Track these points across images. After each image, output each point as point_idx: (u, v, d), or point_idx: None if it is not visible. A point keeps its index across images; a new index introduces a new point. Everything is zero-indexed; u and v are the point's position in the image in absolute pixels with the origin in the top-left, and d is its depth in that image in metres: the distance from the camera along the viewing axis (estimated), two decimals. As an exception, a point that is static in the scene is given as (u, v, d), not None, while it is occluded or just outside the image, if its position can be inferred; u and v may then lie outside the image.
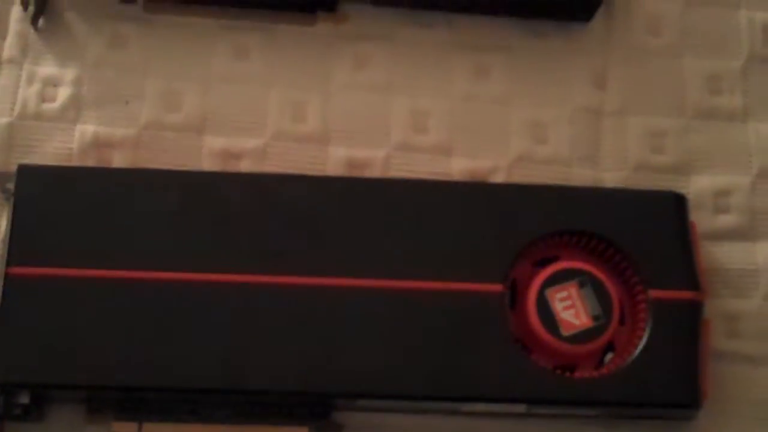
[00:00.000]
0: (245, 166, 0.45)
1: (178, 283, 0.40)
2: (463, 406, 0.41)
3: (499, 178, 0.45)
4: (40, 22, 0.46)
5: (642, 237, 0.42)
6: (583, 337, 0.41)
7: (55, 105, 0.45)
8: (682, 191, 0.44)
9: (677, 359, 0.41)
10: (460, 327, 0.41)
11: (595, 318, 0.41)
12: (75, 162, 0.44)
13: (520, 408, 0.41)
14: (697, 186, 0.46)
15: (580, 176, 0.46)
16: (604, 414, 0.42)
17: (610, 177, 0.46)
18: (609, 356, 0.42)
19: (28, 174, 0.42)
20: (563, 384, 0.40)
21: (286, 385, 0.40)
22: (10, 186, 0.42)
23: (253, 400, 0.41)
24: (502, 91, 0.47)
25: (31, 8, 0.46)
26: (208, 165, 0.45)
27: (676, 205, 0.43)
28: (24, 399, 0.39)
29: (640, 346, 0.41)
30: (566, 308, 0.41)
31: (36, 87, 0.45)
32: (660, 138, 0.47)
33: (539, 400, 0.41)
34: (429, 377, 0.40)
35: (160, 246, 0.41)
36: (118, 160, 0.44)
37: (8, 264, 0.40)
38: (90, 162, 0.44)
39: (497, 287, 0.41)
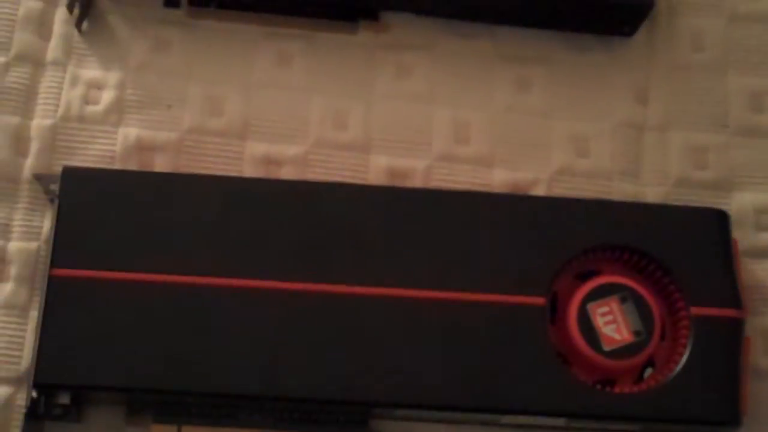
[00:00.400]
0: (286, 172, 0.45)
1: (219, 288, 0.40)
2: (501, 418, 0.41)
3: (539, 190, 0.45)
4: (85, 24, 0.46)
5: (684, 253, 0.42)
6: (624, 352, 0.41)
7: (99, 108, 0.45)
8: (724, 208, 0.44)
9: (718, 376, 0.41)
10: (500, 339, 0.41)
11: (637, 333, 0.41)
12: (118, 165, 0.44)
13: (559, 422, 0.41)
14: (738, 202, 0.46)
15: (621, 190, 0.46)
16: (644, 429, 0.42)
17: (651, 192, 0.46)
18: (649, 372, 0.41)
19: (72, 176, 0.42)
20: (603, 399, 0.40)
21: (325, 393, 0.40)
22: (54, 188, 0.42)
23: (292, 406, 0.41)
24: (544, 104, 0.47)
25: (77, 11, 0.46)
26: (249, 171, 0.45)
27: (718, 221, 0.43)
28: (64, 399, 0.39)
29: (681, 363, 0.41)
30: (607, 323, 0.41)
31: (80, 89, 0.45)
32: (702, 154, 0.47)
33: (579, 415, 0.41)
34: (468, 388, 0.40)
35: (201, 251, 0.41)
36: (160, 163, 0.45)
37: (52, 266, 0.40)
38: (132, 165, 0.44)
39: (539, 300, 0.41)
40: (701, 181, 0.46)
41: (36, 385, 0.39)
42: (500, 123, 0.46)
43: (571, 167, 0.46)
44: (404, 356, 0.40)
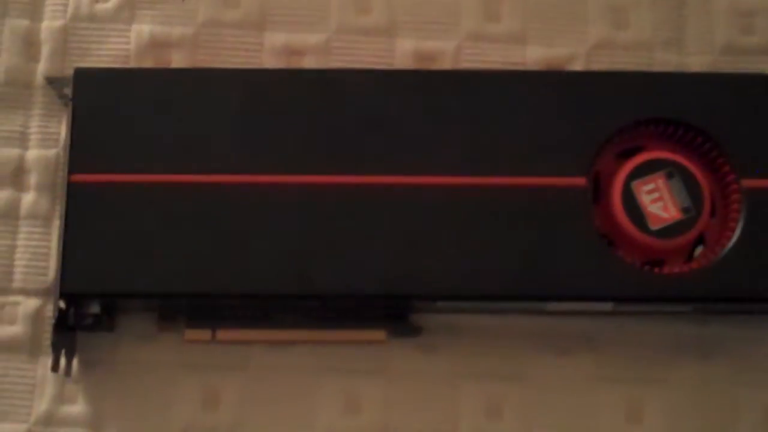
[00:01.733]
0: (308, 62, 0.43)
1: (245, 185, 0.39)
2: (546, 305, 0.39)
3: (577, 66, 0.43)
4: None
5: (732, 123, 0.40)
6: (672, 230, 0.39)
7: (109, 5, 0.43)
8: (774, 73, 0.42)
9: (772, 251, 0.39)
10: (541, 224, 0.39)
11: (685, 210, 0.39)
12: (132, 64, 0.42)
13: (607, 306, 0.39)
14: (790, 67, 0.43)
15: (664, 62, 0.43)
16: (695, 310, 0.40)
17: (696, 61, 0.43)
18: (699, 250, 0.40)
19: (84, 78, 0.40)
20: (652, 280, 0.39)
21: (362, 288, 0.38)
22: (68, 91, 0.40)
23: (327, 304, 0.39)
24: (578, -26, 0.44)
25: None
26: (269, 63, 0.43)
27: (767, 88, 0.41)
28: (95, 309, 0.38)
29: (734, 239, 0.39)
30: (654, 201, 0.39)
31: (88, -13, 0.44)
32: (748, 18, 0.44)
33: (626, 298, 0.39)
34: (510, 277, 0.38)
35: (225, 148, 0.39)
36: (177, 60, 0.43)
37: (70, 171, 0.39)
38: (148, 63, 0.43)
39: (580, 181, 0.39)
40: (749, 46, 0.43)
41: (63, 295, 0.38)
42: (532, -4, 0.44)
43: (609, 40, 0.43)
44: (442, 247, 0.39)
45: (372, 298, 0.39)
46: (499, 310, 0.40)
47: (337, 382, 0.40)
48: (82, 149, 0.39)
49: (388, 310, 0.40)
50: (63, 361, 0.39)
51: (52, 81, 0.41)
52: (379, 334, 0.40)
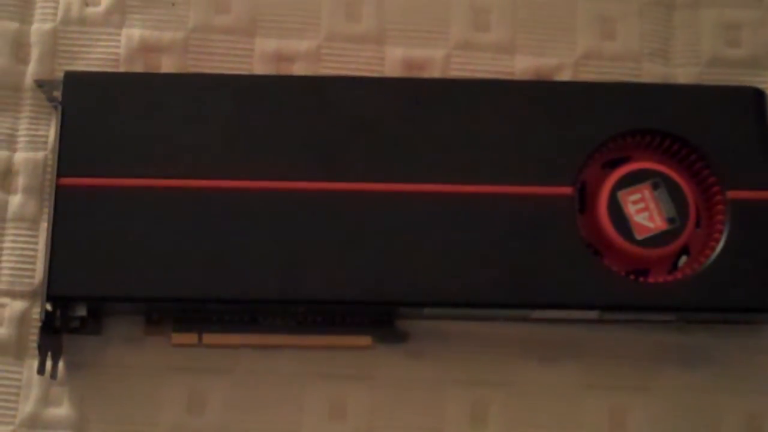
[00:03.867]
0: (298, 68, 0.43)
1: (233, 191, 0.39)
2: (532, 313, 0.40)
3: (565, 76, 0.43)
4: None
5: (718, 135, 0.40)
6: (657, 240, 0.39)
7: (100, 9, 0.43)
8: (760, 86, 0.42)
9: (757, 262, 0.39)
10: (528, 232, 0.39)
11: (670, 221, 0.39)
12: (122, 68, 0.42)
13: (592, 314, 0.39)
14: (775, 80, 0.43)
15: (651, 73, 0.43)
16: (680, 320, 0.40)
17: (683, 73, 0.43)
18: (683, 260, 0.40)
19: (75, 81, 0.40)
20: (637, 289, 0.39)
21: (348, 294, 0.39)
22: (57, 94, 0.40)
23: (314, 309, 0.39)
24: (567, -16, 0.44)
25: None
26: (259, 69, 0.43)
27: (754, 100, 0.41)
28: (81, 312, 0.38)
29: (718, 249, 0.39)
30: (639, 211, 0.39)
31: (79, -10, 0.44)
32: (735, 30, 0.44)
33: (611, 306, 0.39)
34: (497, 284, 0.39)
35: (212, 154, 0.39)
36: (167, 64, 0.43)
37: (59, 175, 0.39)
38: (137, 68, 0.43)
39: (566, 190, 0.39)
40: (735, 59, 0.44)
41: (50, 298, 0.38)
42: (521, 6, 0.44)
43: (597, 50, 0.44)
44: (428, 254, 0.39)
45: (357, 303, 0.39)
46: (485, 317, 0.40)
47: (323, 387, 0.40)
48: (70, 152, 0.39)
49: (375, 315, 0.40)
50: (49, 363, 0.39)
51: (41, 84, 0.41)
52: (365, 340, 0.40)
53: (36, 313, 0.40)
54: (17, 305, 0.40)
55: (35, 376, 0.39)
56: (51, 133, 0.42)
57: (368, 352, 0.40)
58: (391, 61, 0.43)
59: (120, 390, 0.40)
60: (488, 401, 0.40)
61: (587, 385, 0.40)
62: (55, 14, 0.43)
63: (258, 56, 0.43)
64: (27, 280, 0.40)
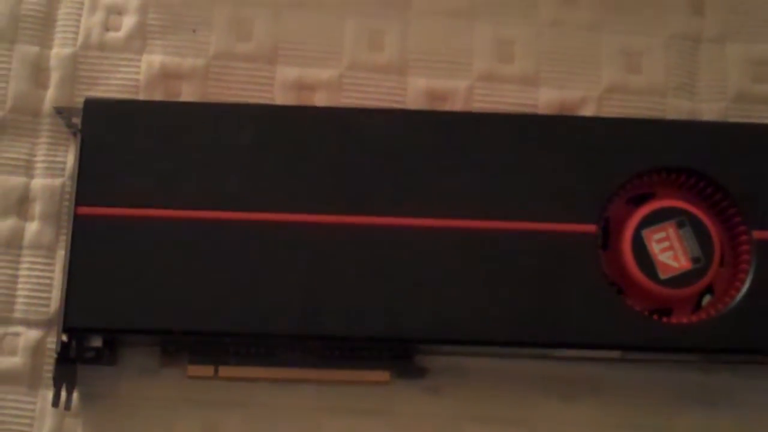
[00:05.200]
0: (320, 98, 0.43)
1: (252, 223, 0.39)
2: (554, 351, 0.39)
3: (589, 110, 0.43)
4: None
5: (744, 173, 0.40)
6: (681, 280, 0.38)
7: (120, 34, 0.43)
8: (787, 123, 0.41)
9: (782, 303, 0.39)
10: (550, 269, 0.38)
11: (695, 260, 0.39)
12: (142, 94, 0.42)
13: (614, 354, 0.39)
14: (802, 117, 0.43)
15: (676, 108, 0.43)
16: (702, 360, 0.40)
17: (708, 108, 0.43)
18: (707, 300, 0.39)
19: (94, 108, 0.40)
20: (660, 329, 0.38)
21: (367, 330, 0.38)
22: (77, 121, 0.40)
23: (332, 344, 0.39)
24: (592, 17, 0.44)
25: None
26: (280, 97, 0.43)
27: (780, 138, 0.40)
28: (96, 342, 0.38)
29: (742, 290, 0.38)
30: (664, 250, 0.39)
31: (99, 15, 0.43)
32: (762, 66, 0.44)
33: (634, 346, 0.39)
34: (518, 322, 0.38)
35: (232, 185, 0.39)
36: (187, 91, 0.42)
37: (77, 203, 0.38)
38: (158, 94, 0.42)
39: (590, 227, 0.39)
40: (762, 95, 0.43)
41: (66, 329, 0.37)
42: (545, 38, 0.43)
43: (622, 84, 0.43)
44: (449, 290, 0.38)
45: (377, 340, 0.38)
46: (506, 355, 0.40)
47: (340, 423, 0.39)
48: (89, 181, 0.39)
49: (393, 351, 0.39)
50: (63, 394, 0.38)
51: (61, 111, 0.41)
52: (383, 375, 0.39)
53: (51, 342, 0.39)
54: (32, 334, 0.40)
55: (49, 407, 0.39)
56: (69, 159, 0.41)
57: (386, 388, 0.40)
58: (413, 91, 0.43)
59: (135, 422, 0.39)
60: (506, 439, 0.40)
61: (607, 424, 0.40)
62: (76, 39, 0.43)
63: (279, 84, 0.43)
64: (42, 309, 0.40)
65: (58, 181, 0.41)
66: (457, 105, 0.43)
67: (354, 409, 0.40)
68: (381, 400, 0.40)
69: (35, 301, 0.40)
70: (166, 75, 0.42)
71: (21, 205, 0.41)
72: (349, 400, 0.40)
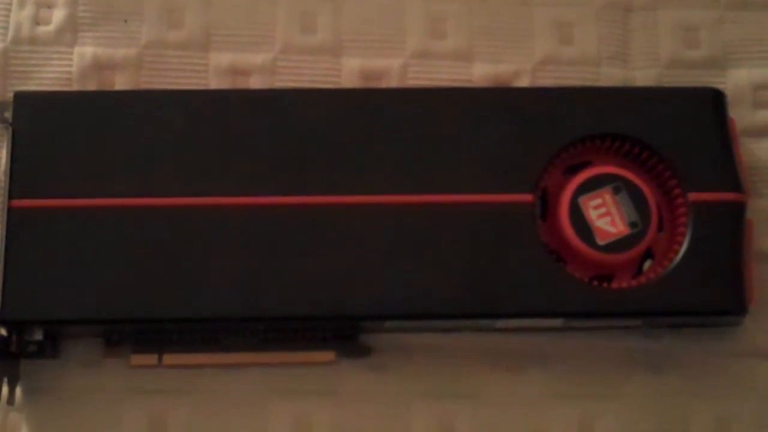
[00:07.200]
0: (254, 82, 0.43)
1: (190, 208, 0.38)
2: (496, 322, 0.39)
3: (523, 82, 0.43)
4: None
5: (679, 137, 0.40)
6: (620, 245, 0.39)
7: (51, 27, 0.43)
8: (719, 86, 0.42)
9: (720, 264, 0.39)
10: (489, 241, 0.39)
11: (632, 225, 0.39)
12: (75, 86, 0.42)
13: (557, 322, 0.39)
14: (734, 80, 0.43)
15: (610, 76, 0.43)
16: (645, 324, 0.40)
17: (642, 75, 0.43)
18: (648, 264, 0.39)
19: (25, 101, 0.40)
20: (601, 295, 0.38)
21: (309, 310, 0.38)
22: (8, 115, 0.40)
23: (276, 326, 0.39)
24: (523, -10, 0.44)
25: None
26: (215, 83, 0.42)
27: (713, 101, 0.41)
28: (38, 336, 0.38)
29: (681, 252, 0.39)
30: (601, 216, 0.39)
31: (29, 9, 0.43)
32: (693, 32, 0.44)
33: (576, 314, 0.39)
34: (459, 295, 0.38)
35: (169, 171, 0.39)
36: (120, 82, 0.42)
37: (10, 197, 0.38)
38: (91, 85, 0.42)
39: (527, 197, 0.39)
40: (694, 60, 0.44)
41: (3, 323, 0.37)
42: (478, 13, 0.44)
43: (555, 56, 0.43)
44: (389, 266, 0.38)
45: (319, 319, 0.38)
46: (449, 329, 0.40)
47: (286, 405, 0.39)
48: (22, 174, 0.39)
49: (337, 330, 0.39)
50: (5, 389, 0.38)
51: (-9, 105, 0.41)
52: (328, 355, 0.39)
53: (-8, 338, 0.39)
54: (-27, 331, 0.39)
55: (-8, 403, 0.39)
56: (3, 154, 0.41)
57: (332, 368, 0.39)
58: (348, 72, 0.43)
59: (80, 415, 0.39)
60: (455, 413, 0.39)
61: (555, 394, 0.40)
62: (6, 34, 0.42)
63: (213, 71, 0.43)
64: (-18, 305, 0.40)
65: (-7, 177, 0.41)
66: (392, 83, 0.43)
67: (301, 391, 0.39)
68: (328, 380, 0.40)
69: (-26, 297, 0.40)
70: (99, 66, 0.42)
71: (-44, 202, 0.41)
72: (295, 381, 0.39)
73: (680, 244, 0.39)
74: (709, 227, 0.39)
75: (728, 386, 0.40)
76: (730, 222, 0.39)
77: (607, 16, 0.44)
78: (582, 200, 0.39)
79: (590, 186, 0.39)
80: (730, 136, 0.40)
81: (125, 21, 0.43)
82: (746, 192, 0.40)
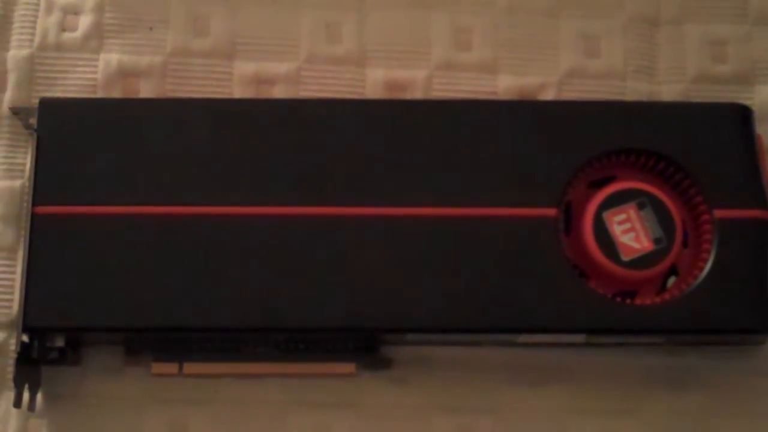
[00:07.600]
0: (278, 92, 0.42)
1: (213, 217, 0.38)
2: (518, 337, 0.39)
3: (548, 95, 0.43)
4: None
5: (705, 153, 0.40)
6: (644, 261, 0.38)
7: (77, 34, 0.43)
8: (746, 102, 0.41)
9: (745, 282, 0.38)
10: (512, 255, 0.38)
11: (657, 241, 0.39)
12: (100, 93, 0.42)
13: (579, 338, 0.39)
14: (762, 96, 0.43)
15: (636, 90, 0.43)
16: (668, 342, 0.40)
17: (668, 90, 0.43)
18: (672, 281, 0.39)
19: (50, 108, 0.40)
20: (624, 311, 0.38)
21: (331, 321, 0.38)
22: (33, 121, 0.40)
23: (297, 337, 0.39)
24: (548, 2, 0.44)
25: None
26: (239, 92, 0.42)
27: (740, 117, 0.40)
28: (59, 342, 0.38)
29: (706, 270, 0.38)
30: (625, 231, 0.39)
31: (55, 16, 0.43)
32: (721, 46, 0.44)
33: (599, 330, 0.38)
34: (482, 309, 0.38)
35: (192, 179, 0.39)
36: (145, 89, 0.42)
37: (34, 203, 0.38)
38: (116, 93, 0.42)
39: (551, 211, 0.39)
40: (721, 75, 0.43)
41: (26, 329, 0.37)
42: (503, 25, 0.43)
43: (581, 69, 0.43)
44: (411, 278, 0.38)
45: (340, 331, 0.38)
46: (471, 342, 0.40)
47: (306, 416, 0.39)
48: (46, 181, 0.39)
49: (358, 342, 0.39)
50: (27, 395, 0.38)
51: (16, 111, 0.41)
52: (348, 367, 0.39)
53: (14, 345, 0.39)
54: (-6, 336, 0.40)
55: (13, 409, 0.38)
56: (28, 160, 0.41)
57: (352, 380, 0.39)
58: (372, 82, 0.43)
59: (100, 421, 0.39)
60: (475, 427, 0.39)
61: (575, 409, 0.40)
62: (32, 40, 0.43)
63: (237, 79, 0.43)
64: (4, 311, 0.40)
65: (17, 183, 0.41)
66: (416, 95, 0.43)
67: (321, 403, 0.39)
68: (348, 392, 0.39)
69: (-3, 303, 0.40)
70: (124, 73, 0.42)
71: (-19, 207, 0.41)
72: (315, 393, 0.39)
73: (705, 261, 0.39)
74: (734, 244, 0.39)
75: (751, 405, 0.40)
76: (756, 239, 0.39)
77: (634, 30, 0.44)
78: (606, 215, 0.39)
79: (615, 201, 0.39)
80: (757, 152, 0.40)
81: (151, 28, 0.43)
82: (772, 209, 0.39)
